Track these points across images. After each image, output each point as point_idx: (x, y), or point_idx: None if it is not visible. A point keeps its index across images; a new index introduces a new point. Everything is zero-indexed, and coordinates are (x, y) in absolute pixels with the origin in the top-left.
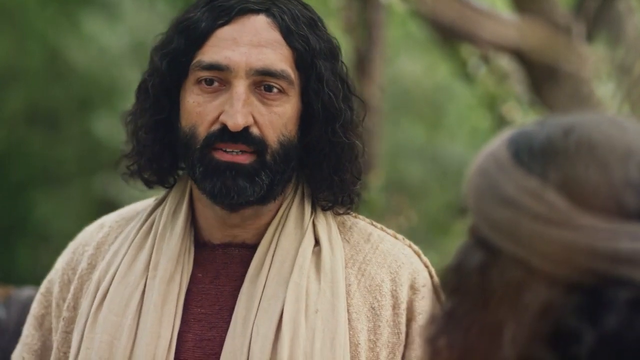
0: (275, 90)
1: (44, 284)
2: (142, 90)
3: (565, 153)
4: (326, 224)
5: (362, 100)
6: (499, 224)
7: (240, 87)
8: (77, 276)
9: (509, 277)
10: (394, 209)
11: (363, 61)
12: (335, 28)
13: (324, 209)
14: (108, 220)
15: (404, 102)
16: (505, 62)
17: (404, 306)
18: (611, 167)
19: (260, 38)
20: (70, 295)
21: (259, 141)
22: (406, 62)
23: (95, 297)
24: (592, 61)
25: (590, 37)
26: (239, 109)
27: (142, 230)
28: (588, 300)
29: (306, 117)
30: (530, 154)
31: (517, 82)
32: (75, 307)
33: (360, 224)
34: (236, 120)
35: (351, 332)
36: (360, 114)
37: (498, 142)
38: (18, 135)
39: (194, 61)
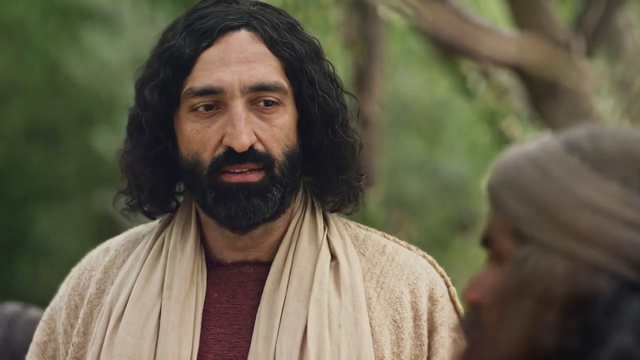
0: (272, 103)
1: (47, 311)
2: (135, 125)
3: None
4: (340, 238)
5: (353, 96)
6: (579, 229)
7: (238, 107)
8: (85, 301)
9: (597, 285)
10: (393, 224)
11: (363, 77)
12: (335, 43)
13: (332, 211)
14: (113, 243)
15: (404, 117)
16: (504, 78)
17: (424, 317)
18: None
19: (248, 54)
20: (79, 321)
21: (265, 157)
22: (406, 78)
23: (109, 319)
24: (592, 77)
25: (589, 52)
26: (242, 129)
27: (152, 251)
28: None
29: (303, 123)
30: (604, 160)
31: (516, 97)
32: (85, 333)
33: (373, 236)
34: (241, 140)
35: (375, 346)
36: (354, 109)
37: (547, 147)
38: (18, 150)
39: (186, 89)
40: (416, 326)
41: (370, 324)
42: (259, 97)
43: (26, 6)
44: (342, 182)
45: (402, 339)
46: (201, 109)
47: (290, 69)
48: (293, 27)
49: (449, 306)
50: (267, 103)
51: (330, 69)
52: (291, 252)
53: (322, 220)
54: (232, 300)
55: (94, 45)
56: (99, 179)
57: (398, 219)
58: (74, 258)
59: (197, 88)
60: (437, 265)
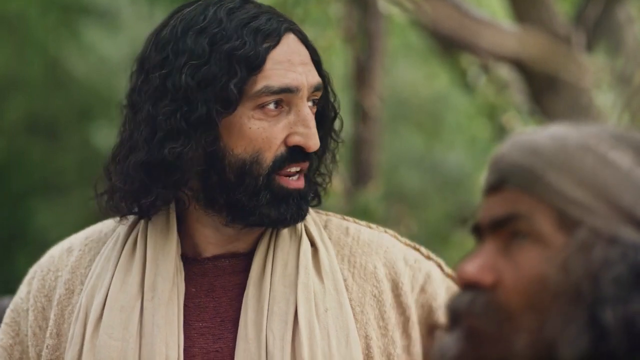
0: (315, 102)
1: (8, 314)
2: (201, 121)
3: None
4: (315, 226)
5: (332, 91)
6: None
7: (307, 107)
8: (54, 303)
9: None
10: (393, 218)
11: (363, 71)
12: (335, 38)
13: (314, 205)
14: (76, 243)
15: (403, 111)
16: (504, 72)
17: (403, 282)
18: None
19: (304, 56)
20: (51, 323)
21: (313, 157)
22: (406, 72)
23: (86, 323)
24: (592, 71)
25: (590, 46)
26: (315, 129)
27: (125, 252)
28: None
29: None
30: None
31: (516, 91)
32: (58, 334)
33: (333, 219)
34: (316, 140)
35: (358, 326)
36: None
37: (597, 135)
38: (18, 145)
39: (260, 87)
40: (396, 295)
41: (350, 305)
42: (310, 97)
43: (26, 1)
44: (328, 176)
45: (385, 311)
46: (271, 106)
47: (318, 71)
48: None
49: (425, 265)
50: (314, 102)
51: None
52: (273, 240)
53: None
54: (211, 294)
55: (93, 41)
56: (98, 174)
57: (398, 213)
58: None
59: (275, 87)
60: (400, 237)
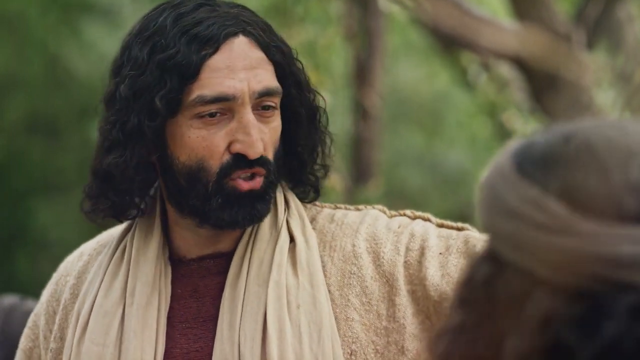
0: (270, 108)
1: (31, 317)
2: (130, 133)
3: (566, 160)
4: (299, 219)
5: (317, 93)
6: (504, 235)
7: (250, 114)
8: (61, 307)
9: (513, 288)
10: None
11: (363, 69)
12: (335, 36)
13: (309, 201)
14: (87, 248)
15: (404, 110)
16: (505, 70)
17: (383, 254)
18: (611, 170)
19: (251, 60)
20: (56, 327)
21: (268, 162)
22: (406, 70)
23: (76, 328)
24: (593, 69)
25: (590, 45)
26: (257, 137)
27: (114, 258)
28: (590, 309)
29: (284, 123)
30: (533, 164)
31: (517, 89)
32: (61, 338)
33: (325, 210)
34: (257, 148)
35: (338, 310)
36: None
37: (505, 154)
38: (18, 143)
39: (194, 96)
40: (377, 266)
41: (329, 290)
42: (261, 102)
43: (26, 0)
44: (313, 174)
45: (366, 286)
46: (207, 116)
47: (282, 73)
48: (272, 30)
49: (410, 225)
50: (266, 107)
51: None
52: (252, 239)
53: (283, 204)
54: (195, 295)
55: (94, 39)
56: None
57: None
58: (73, 251)
59: (209, 96)
60: (387, 210)
